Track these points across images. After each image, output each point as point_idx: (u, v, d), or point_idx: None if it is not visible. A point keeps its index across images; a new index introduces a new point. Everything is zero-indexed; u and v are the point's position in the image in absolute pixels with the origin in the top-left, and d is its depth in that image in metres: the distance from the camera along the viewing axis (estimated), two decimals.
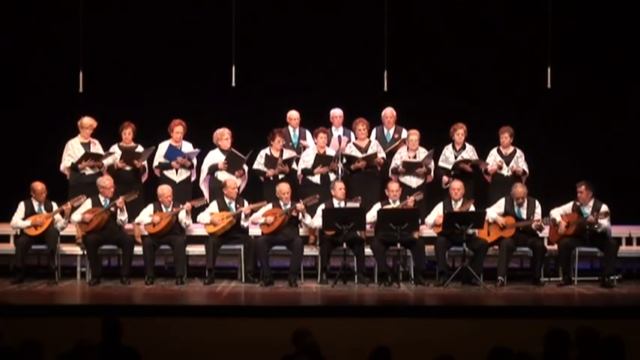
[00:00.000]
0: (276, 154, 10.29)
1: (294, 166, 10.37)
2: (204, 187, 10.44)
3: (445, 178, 10.26)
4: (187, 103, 11.30)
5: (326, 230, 9.46)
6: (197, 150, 10.42)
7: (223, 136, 10.35)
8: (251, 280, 9.41)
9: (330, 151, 10.36)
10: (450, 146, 10.48)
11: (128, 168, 10.23)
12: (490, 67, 11.86)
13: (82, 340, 5.31)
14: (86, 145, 10.23)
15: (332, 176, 10.25)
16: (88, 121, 10.26)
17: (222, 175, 10.21)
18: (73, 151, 10.20)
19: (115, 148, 10.27)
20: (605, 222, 9.33)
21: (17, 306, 8.15)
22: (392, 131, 10.81)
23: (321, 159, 10.26)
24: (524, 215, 9.52)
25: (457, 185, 9.70)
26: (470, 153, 10.41)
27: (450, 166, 10.36)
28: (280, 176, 10.18)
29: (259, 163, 10.33)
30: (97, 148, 10.29)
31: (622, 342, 5.14)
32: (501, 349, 4.96)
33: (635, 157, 11.92)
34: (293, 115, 10.83)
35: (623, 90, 12.05)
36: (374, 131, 10.72)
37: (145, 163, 10.30)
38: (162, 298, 8.66)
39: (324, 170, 10.26)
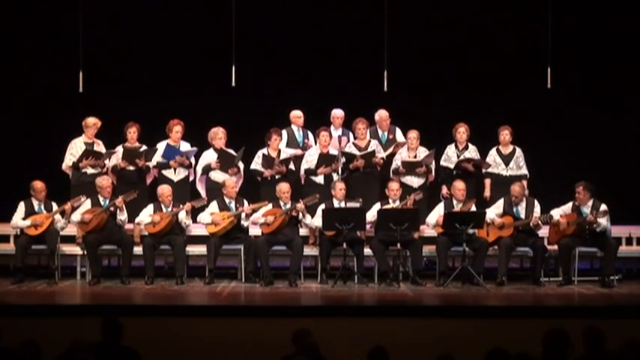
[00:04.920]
0: (274, 154, 10.29)
1: (291, 166, 10.36)
2: (200, 187, 10.44)
3: (444, 190, 10.24)
4: (187, 103, 11.30)
5: (326, 230, 9.46)
6: (195, 149, 10.43)
7: (217, 135, 10.36)
8: (251, 280, 9.41)
9: (333, 151, 10.36)
10: (452, 145, 10.48)
11: (131, 168, 10.23)
12: (490, 67, 11.85)
13: (76, 340, 5.30)
14: (90, 145, 10.24)
15: (335, 176, 10.25)
16: (92, 120, 10.27)
17: (215, 175, 10.22)
18: (75, 150, 10.22)
19: (119, 149, 10.28)
20: (604, 221, 9.33)
21: (17, 306, 8.15)
22: (386, 132, 10.81)
23: (324, 159, 10.26)
24: (522, 215, 9.52)
25: (460, 186, 9.67)
26: (472, 153, 10.40)
27: (452, 165, 10.36)
28: (277, 176, 10.18)
29: (257, 163, 10.33)
30: (100, 148, 10.30)
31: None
32: (497, 351, 4.96)
33: (635, 157, 11.92)
34: (297, 114, 10.83)
35: (623, 90, 12.04)
36: (367, 132, 10.67)
37: (148, 163, 10.29)
38: (162, 298, 8.66)
39: (327, 171, 10.26)
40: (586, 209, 9.41)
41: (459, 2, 11.87)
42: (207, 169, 10.32)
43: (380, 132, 10.81)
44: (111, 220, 9.53)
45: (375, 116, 10.79)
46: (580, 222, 9.36)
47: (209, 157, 10.35)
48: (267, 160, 10.22)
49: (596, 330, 5.37)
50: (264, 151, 10.33)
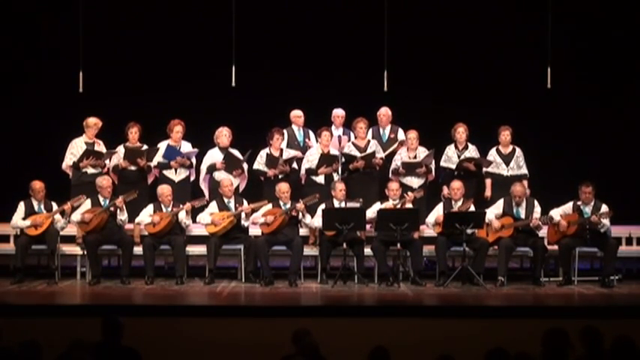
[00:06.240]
0: (276, 154, 10.29)
1: (294, 165, 10.37)
2: (204, 187, 10.45)
3: (445, 191, 10.24)
4: (187, 103, 11.30)
5: (326, 230, 9.45)
6: (195, 150, 10.43)
7: (222, 133, 10.37)
8: (251, 280, 9.42)
9: (334, 151, 10.35)
10: (452, 146, 10.47)
11: (133, 168, 10.23)
12: (490, 67, 11.86)
13: (76, 340, 5.31)
14: (90, 145, 10.24)
15: (335, 176, 10.25)
16: (93, 120, 10.28)
17: (219, 175, 10.22)
18: (76, 149, 10.22)
19: (120, 148, 10.28)
20: (608, 222, 9.36)
21: (17, 306, 8.15)
22: (387, 131, 10.82)
23: (325, 159, 10.26)
24: (522, 215, 9.52)
25: (457, 185, 9.70)
26: (472, 152, 10.40)
27: (453, 166, 10.35)
28: (280, 176, 10.18)
29: (260, 163, 10.33)
30: (100, 148, 10.30)
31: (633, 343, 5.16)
32: (497, 351, 4.96)
33: (635, 157, 11.92)
34: (297, 113, 10.84)
35: (623, 90, 12.04)
36: (370, 131, 10.69)
37: (150, 163, 10.29)
38: (162, 298, 8.66)
39: (328, 171, 10.26)
40: (587, 209, 9.41)
41: (459, 2, 11.87)
42: (211, 169, 10.32)
43: (381, 130, 10.81)
44: (111, 220, 9.53)
45: (377, 113, 10.80)
46: (581, 222, 9.36)
47: (214, 156, 10.36)
48: (271, 160, 10.22)
49: (594, 330, 5.37)
50: (267, 151, 10.33)
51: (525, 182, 10.11)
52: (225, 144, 10.35)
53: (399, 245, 9.25)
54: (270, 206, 9.65)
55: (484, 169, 10.36)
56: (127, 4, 11.78)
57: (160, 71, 11.79)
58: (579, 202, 9.45)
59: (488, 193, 10.33)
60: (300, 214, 9.64)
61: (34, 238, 9.43)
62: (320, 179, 10.30)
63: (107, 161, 10.25)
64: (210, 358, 7.08)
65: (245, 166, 10.37)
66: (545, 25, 11.04)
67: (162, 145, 10.37)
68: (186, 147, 10.41)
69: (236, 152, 10.37)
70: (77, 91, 11.04)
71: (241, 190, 10.31)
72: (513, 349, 5.02)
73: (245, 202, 9.71)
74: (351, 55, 11.86)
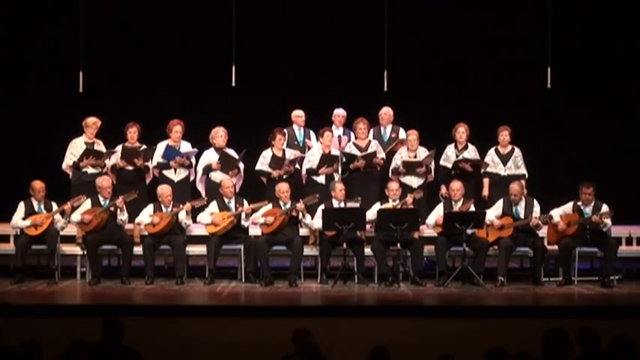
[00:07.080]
0: (279, 154, 10.29)
1: (297, 165, 10.37)
2: (200, 187, 10.45)
3: (443, 190, 10.24)
4: (187, 103, 11.31)
5: (326, 230, 9.45)
6: (195, 149, 10.43)
7: (217, 133, 10.37)
8: (251, 280, 9.42)
9: (336, 151, 10.35)
10: (452, 145, 10.48)
11: (130, 167, 10.23)
12: (490, 67, 11.86)
13: (76, 340, 5.31)
14: (90, 145, 10.24)
15: (336, 176, 10.25)
16: (92, 120, 10.28)
17: (216, 175, 10.22)
18: (76, 149, 10.22)
19: (119, 148, 10.28)
20: (609, 221, 9.37)
21: (17, 306, 8.15)
22: (389, 130, 10.82)
23: (326, 159, 10.26)
24: (522, 215, 9.52)
25: (456, 186, 9.69)
26: (472, 153, 10.40)
27: (450, 165, 10.36)
28: (285, 176, 10.18)
29: (263, 164, 10.32)
30: (100, 148, 10.30)
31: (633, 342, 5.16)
32: (497, 351, 4.97)
33: (635, 157, 11.92)
34: (298, 113, 10.84)
35: (623, 90, 12.04)
36: (371, 131, 10.71)
37: (148, 163, 10.30)
38: (162, 298, 8.66)
39: (328, 171, 10.26)
40: (588, 209, 9.41)
41: (459, 2, 11.87)
42: (207, 170, 10.32)
43: (382, 130, 10.82)
44: (111, 220, 9.53)
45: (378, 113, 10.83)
46: (582, 222, 9.36)
47: (210, 156, 10.36)
48: (276, 161, 10.22)
49: (590, 330, 5.37)
50: (270, 151, 10.32)
51: (523, 182, 10.10)
52: (221, 144, 10.34)
53: (399, 245, 9.26)
54: (270, 206, 9.65)
55: (482, 170, 10.36)
56: (126, 5, 11.79)
57: (160, 71, 11.79)
58: (579, 202, 9.46)
59: (486, 192, 10.34)
60: (300, 214, 9.64)
61: (34, 238, 9.43)
62: (321, 179, 10.29)
63: (107, 161, 10.26)
64: (210, 358, 7.08)
65: (241, 165, 10.37)
66: (545, 25, 11.04)
67: (162, 145, 10.37)
68: (185, 147, 10.41)
69: (231, 152, 10.37)
70: (77, 91, 11.04)
71: (239, 190, 10.29)
72: (513, 349, 5.02)
73: (245, 202, 9.71)
74: (351, 55, 11.86)
